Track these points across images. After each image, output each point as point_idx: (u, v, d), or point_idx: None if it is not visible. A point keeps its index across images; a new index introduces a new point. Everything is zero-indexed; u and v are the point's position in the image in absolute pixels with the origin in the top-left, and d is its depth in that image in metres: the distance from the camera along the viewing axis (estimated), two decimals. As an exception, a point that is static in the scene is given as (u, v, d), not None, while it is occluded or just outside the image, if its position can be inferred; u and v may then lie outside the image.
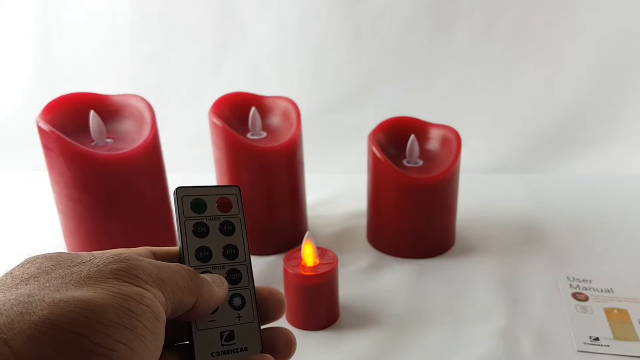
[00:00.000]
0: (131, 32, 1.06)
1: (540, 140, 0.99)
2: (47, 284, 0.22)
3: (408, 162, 0.66)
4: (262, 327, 0.30)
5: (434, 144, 0.69)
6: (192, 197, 0.30)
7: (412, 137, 0.66)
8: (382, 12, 0.99)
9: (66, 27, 1.07)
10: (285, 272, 0.53)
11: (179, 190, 0.30)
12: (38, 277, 0.22)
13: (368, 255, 0.67)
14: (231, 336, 0.28)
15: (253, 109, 0.65)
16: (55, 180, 0.57)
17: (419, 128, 0.69)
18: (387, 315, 0.56)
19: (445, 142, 0.67)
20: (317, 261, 0.54)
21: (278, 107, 0.69)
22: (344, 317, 0.56)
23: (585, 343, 0.51)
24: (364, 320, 0.56)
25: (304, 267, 0.53)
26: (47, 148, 0.55)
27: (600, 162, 0.95)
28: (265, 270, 0.64)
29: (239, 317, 0.29)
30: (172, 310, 0.24)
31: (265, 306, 0.30)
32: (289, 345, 0.30)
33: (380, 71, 1.03)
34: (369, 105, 1.04)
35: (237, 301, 0.29)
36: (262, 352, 0.29)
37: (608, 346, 0.50)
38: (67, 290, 0.21)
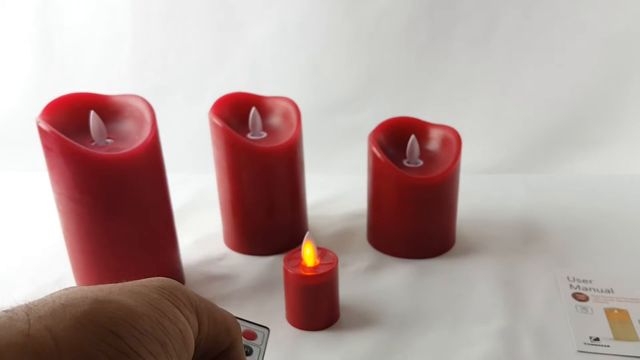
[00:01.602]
0: (131, 32, 1.06)
1: (540, 140, 0.99)
2: (93, 288, 0.22)
3: (408, 162, 0.66)
4: None
5: (434, 144, 0.69)
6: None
7: (412, 137, 0.66)
8: (382, 12, 0.99)
9: (66, 27, 1.07)
10: (285, 272, 0.53)
11: None
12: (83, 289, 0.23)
13: (368, 255, 0.67)
14: None
15: (253, 109, 0.65)
16: (55, 180, 0.56)
17: (419, 128, 0.69)
18: (387, 315, 0.56)
19: (445, 142, 0.67)
20: (317, 261, 0.54)
21: (278, 107, 0.69)
22: (344, 317, 0.56)
23: (585, 343, 0.51)
24: (364, 320, 0.56)
25: (304, 267, 0.53)
26: (47, 148, 0.55)
27: (600, 163, 0.95)
28: (265, 270, 0.64)
29: None
30: (204, 344, 0.24)
31: None
32: None
33: (380, 71, 1.03)
34: (368, 105, 1.04)
35: None
36: None
37: (608, 346, 0.50)
38: (109, 294, 0.22)
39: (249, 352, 0.32)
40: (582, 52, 0.96)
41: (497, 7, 0.97)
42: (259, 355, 0.32)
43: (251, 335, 0.33)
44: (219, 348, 0.25)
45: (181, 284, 0.24)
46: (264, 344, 0.33)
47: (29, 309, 0.20)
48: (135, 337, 0.20)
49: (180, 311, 0.23)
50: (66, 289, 0.23)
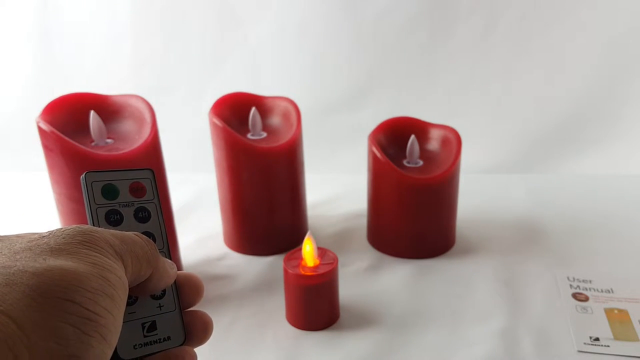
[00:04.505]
0: (131, 32, 1.06)
1: (540, 140, 0.99)
2: (17, 256, 0.22)
3: (408, 162, 0.66)
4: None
5: (434, 144, 0.69)
6: (103, 182, 0.29)
7: (412, 137, 0.66)
8: (382, 12, 0.99)
9: (66, 27, 1.07)
10: (285, 272, 0.53)
11: (88, 175, 0.28)
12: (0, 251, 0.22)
13: (368, 255, 0.67)
14: (153, 326, 0.28)
15: (253, 109, 0.65)
16: (55, 180, 0.56)
17: (419, 128, 0.69)
18: (387, 315, 0.56)
19: (445, 142, 0.67)
20: (317, 261, 0.54)
21: (278, 107, 0.69)
22: (344, 317, 0.56)
23: (585, 343, 0.51)
24: (364, 320, 0.56)
25: (304, 267, 0.53)
26: (47, 148, 0.55)
27: (600, 162, 0.95)
28: (265, 270, 0.64)
29: (159, 307, 0.28)
30: (130, 281, 0.25)
31: (181, 293, 0.30)
32: (205, 328, 0.30)
33: (380, 71, 1.03)
34: (369, 105, 1.04)
35: None
36: (185, 339, 0.29)
37: (608, 346, 0.50)
38: (44, 260, 0.21)
39: (147, 215, 0.30)
40: (582, 52, 0.96)
41: (497, 7, 0.97)
42: (157, 214, 0.30)
43: (139, 190, 0.29)
44: (140, 279, 0.26)
45: (99, 231, 0.24)
46: (155, 196, 0.30)
47: None
48: (88, 298, 0.21)
49: (108, 259, 0.23)
50: None
